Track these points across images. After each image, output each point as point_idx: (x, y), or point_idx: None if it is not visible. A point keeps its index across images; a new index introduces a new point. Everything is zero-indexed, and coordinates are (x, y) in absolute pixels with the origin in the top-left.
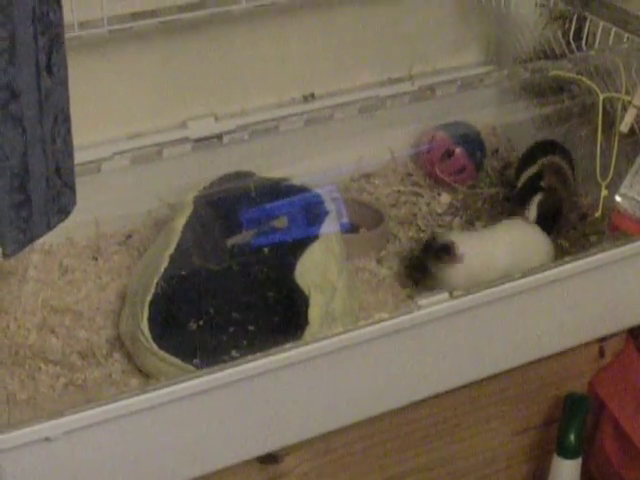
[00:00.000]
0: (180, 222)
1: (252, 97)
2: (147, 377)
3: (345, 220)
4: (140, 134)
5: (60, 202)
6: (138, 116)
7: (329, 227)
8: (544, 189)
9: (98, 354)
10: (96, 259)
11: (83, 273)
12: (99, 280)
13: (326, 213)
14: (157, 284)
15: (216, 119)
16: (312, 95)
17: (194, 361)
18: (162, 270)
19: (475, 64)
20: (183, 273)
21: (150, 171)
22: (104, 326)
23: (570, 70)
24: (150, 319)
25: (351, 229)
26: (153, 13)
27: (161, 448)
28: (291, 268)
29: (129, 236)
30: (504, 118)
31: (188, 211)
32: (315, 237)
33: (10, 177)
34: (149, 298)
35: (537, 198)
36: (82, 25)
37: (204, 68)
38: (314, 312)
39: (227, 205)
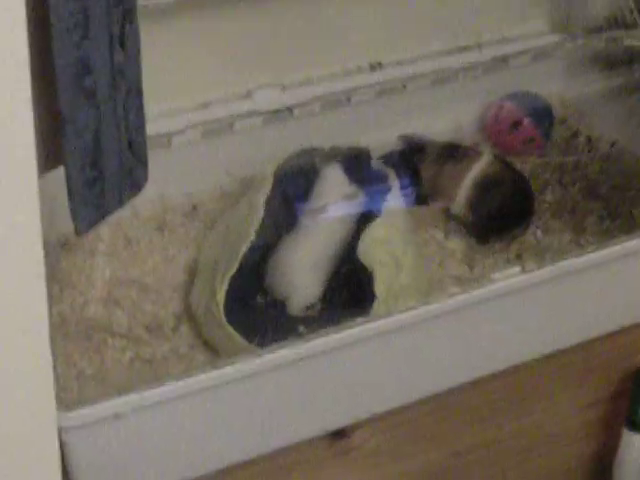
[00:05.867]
0: (262, 197)
1: (318, 66)
2: (214, 351)
3: (411, 192)
4: (204, 104)
5: (132, 177)
6: (202, 86)
7: (393, 202)
8: None
9: (165, 328)
10: (162, 231)
11: (149, 245)
12: (165, 252)
13: (390, 188)
14: (242, 259)
15: (283, 89)
16: (379, 64)
17: (257, 340)
18: (248, 245)
19: (543, 32)
20: (268, 251)
21: (219, 144)
22: (170, 299)
23: None
24: (228, 292)
25: (421, 201)
26: None
27: (231, 425)
28: (354, 244)
29: (194, 208)
30: (573, 88)
31: (268, 185)
32: (378, 213)
33: (83, 153)
34: (232, 271)
35: None
36: None
37: (269, 36)
38: (380, 286)
39: (305, 179)
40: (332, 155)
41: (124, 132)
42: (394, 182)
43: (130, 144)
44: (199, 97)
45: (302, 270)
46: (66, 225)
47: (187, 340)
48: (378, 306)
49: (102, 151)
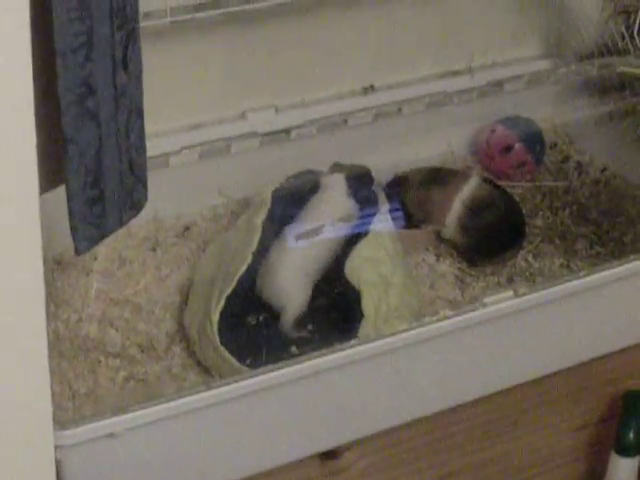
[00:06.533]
0: (260, 218)
1: (312, 88)
2: (206, 370)
3: (402, 215)
4: (200, 126)
5: (133, 198)
6: (198, 107)
7: (381, 224)
8: None
9: (158, 347)
10: (154, 250)
11: (142, 265)
12: (158, 272)
13: (378, 210)
14: (239, 279)
15: (276, 111)
16: (372, 87)
17: (249, 361)
18: (245, 267)
19: (535, 57)
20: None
21: (215, 165)
22: (163, 319)
23: (637, 66)
24: (223, 312)
25: (412, 224)
26: (215, 4)
27: (223, 445)
28: (342, 265)
29: (187, 228)
30: (564, 113)
31: (266, 207)
32: (366, 233)
33: (85, 173)
34: (228, 292)
35: None
36: (146, 16)
37: (264, 59)
38: (368, 305)
39: (303, 202)
40: (336, 169)
41: (125, 153)
42: (384, 203)
43: (131, 165)
44: (194, 118)
45: (294, 284)
46: (61, 243)
47: (180, 360)
48: (367, 325)
49: (103, 171)
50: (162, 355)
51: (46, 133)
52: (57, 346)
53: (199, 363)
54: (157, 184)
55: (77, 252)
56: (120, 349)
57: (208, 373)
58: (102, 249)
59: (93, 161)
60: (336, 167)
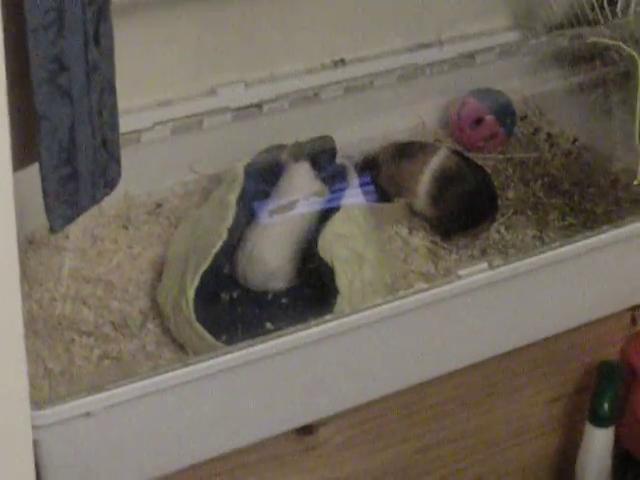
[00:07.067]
0: (233, 194)
1: (281, 63)
2: (181, 347)
3: (373, 189)
4: (168, 101)
5: (106, 175)
6: (166, 82)
7: (351, 199)
8: None
9: (132, 325)
10: (126, 228)
11: (114, 243)
12: (130, 250)
13: (348, 184)
14: (215, 256)
15: (246, 85)
16: (342, 61)
17: (224, 337)
18: (221, 243)
19: (505, 28)
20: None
21: (187, 141)
22: (137, 296)
23: (607, 37)
24: (198, 288)
25: (385, 198)
26: None
27: (200, 422)
28: (315, 242)
29: (159, 205)
30: (534, 85)
31: (239, 183)
32: (337, 209)
33: (58, 150)
34: (204, 268)
35: None
36: None
37: (232, 34)
38: (342, 281)
39: (276, 176)
40: (297, 150)
41: (98, 130)
42: (354, 178)
43: (104, 142)
44: (166, 94)
45: (271, 260)
46: (32, 222)
47: (154, 337)
48: (342, 301)
49: (77, 148)
50: (136, 332)
51: (18, 111)
52: (31, 325)
53: (174, 340)
54: (129, 161)
55: (52, 230)
56: (94, 327)
57: (183, 350)
58: (74, 227)
59: (66, 138)
60: (296, 147)
